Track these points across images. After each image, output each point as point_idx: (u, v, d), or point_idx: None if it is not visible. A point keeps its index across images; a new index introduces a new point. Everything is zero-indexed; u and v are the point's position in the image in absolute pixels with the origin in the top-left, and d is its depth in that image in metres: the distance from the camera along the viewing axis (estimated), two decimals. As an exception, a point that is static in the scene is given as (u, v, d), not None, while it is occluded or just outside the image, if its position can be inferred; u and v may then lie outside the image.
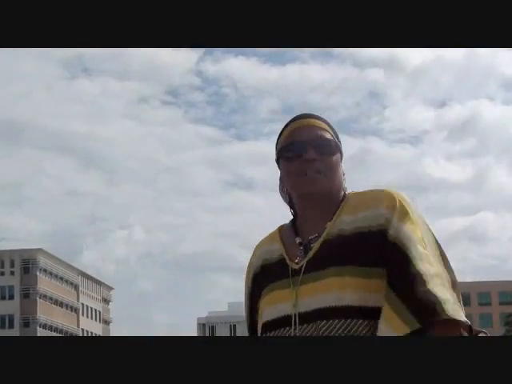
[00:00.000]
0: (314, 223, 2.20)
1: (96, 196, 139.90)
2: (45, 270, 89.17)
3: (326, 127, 2.25)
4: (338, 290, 2.08)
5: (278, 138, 2.28)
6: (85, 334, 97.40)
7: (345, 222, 2.17)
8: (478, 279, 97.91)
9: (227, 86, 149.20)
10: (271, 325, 2.16)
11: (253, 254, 2.34)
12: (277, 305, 2.15)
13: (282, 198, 2.32)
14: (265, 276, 2.24)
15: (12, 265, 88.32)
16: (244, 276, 2.37)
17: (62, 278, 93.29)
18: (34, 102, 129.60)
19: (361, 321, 2.06)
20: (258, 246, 2.34)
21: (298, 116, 2.27)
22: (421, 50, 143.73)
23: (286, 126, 2.27)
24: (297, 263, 2.17)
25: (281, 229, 2.32)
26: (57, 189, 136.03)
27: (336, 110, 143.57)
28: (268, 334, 2.16)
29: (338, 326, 2.06)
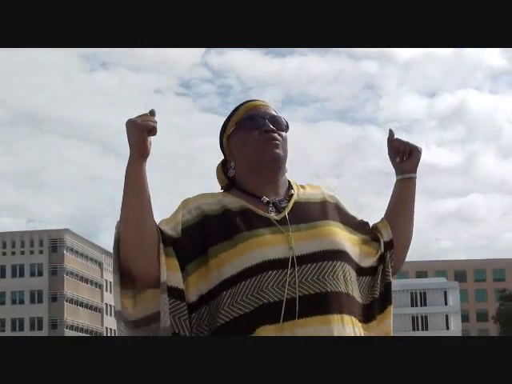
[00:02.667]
0: (272, 188, 2.19)
1: (114, 180, 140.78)
2: (71, 249, 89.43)
3: (275, 110, 2.29)
4: (333, 236, 2.12)
5: (228, 121, 2.28)
6: (108, 309, 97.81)
7: (308, 193, 2.25)
8: (471, 257, 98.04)
9: (231, 78, 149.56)
10: (268, 265, 2.03)
11: (194, 200, 2.20)
12: (270, 247, 2.05)
13: (220, 175, 2.29)
14: (223, 225, 2.10)
15: (41, 244, 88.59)
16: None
17: (86, 256, 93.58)
18: (55, 92, 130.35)
19: (350, 262, 2.13)
20: (200, 197, 2.21)
21: (248, 100, 2.29)
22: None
23: (237, 109, 2.28)
24: (276, 215, 2.13)
25: (223, 192, 2.25)
26: (78, 174, 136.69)
27: (334, 101, 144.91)
28: (265, 274, 2.02)
29: (340, 267, 2.09)
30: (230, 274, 2.05)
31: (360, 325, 2.10)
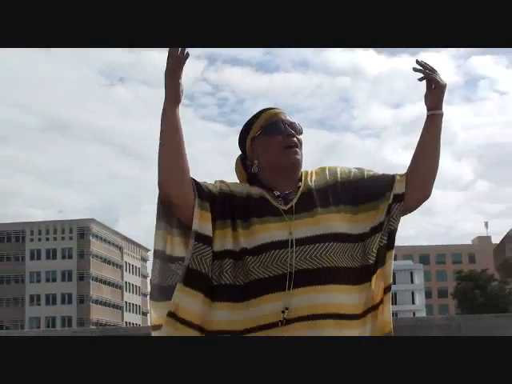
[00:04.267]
0: (286, 184, 2.20)
1: (131, 178, 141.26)
2: (96, 236, 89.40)
3: (291, 118, 2.28)
4: (328, 221, 2.13)
5: (251, 124, 2.27)
6: (128, 286, 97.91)
7: (313, 181, 2.23)
8: (433, 243, 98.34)
9: (227, 91, 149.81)
10: (265, 248, 2.08)
11: (224, 183, 2.24)
12: (273, 231, 2.10)
13: (240, 170, 2.30)
14: (247, 206, 2.16)
15: (70, 232, 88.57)
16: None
17: (109, 242, 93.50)
18: (78, 103, 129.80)
19: (348, 244, 2.11)
20: (230, 184, 2.24)
21: (268, 107, 2.29)
22: (378, 61, 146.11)
23: (259, 115, 2.27)
24: (287, 204, 2.16)
25: (247, 184, 2.25)
26: (100, 172, 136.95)
27: (314, 110, 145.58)
28: (265, 254, 2.08)
29: (331, 247, 2.10)
30: (251, 245, 2.10)
31: (353, 288, 2.10)
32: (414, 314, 77.56)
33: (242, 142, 2.31)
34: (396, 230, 2.18)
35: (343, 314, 2.05)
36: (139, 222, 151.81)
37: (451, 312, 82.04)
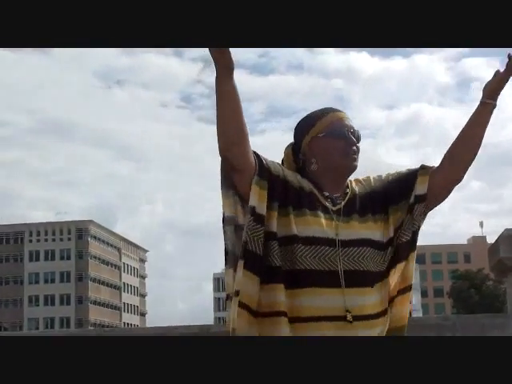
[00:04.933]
0: (336, 187, 2.28)
1: (128, 180, 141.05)
2: (94, 237, 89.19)
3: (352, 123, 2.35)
4: (367, 229, 2.23)
5: (315, 121, 2.31)
6: (126, 287, 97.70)
7: (357, 188, 2.31)
8: (429, 243, 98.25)
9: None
10: (316, 241, 2.17)
11: (281, 166, 2.27)
12: (322, 228, 2.18)
13: (289, 160, 2.34)
14: (299, 196, 2.22)
15: (69, 232, 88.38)
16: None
17: (107, 243, 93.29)
18: (77, 105, 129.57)
19: (381, 251, 2.21)
20: (284, 169, 2.27)
21: (332, 108, 2.35)
22: (371, 62, 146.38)
23: (325, 114, 2.32)
24: (333, 206, 2.24)
25: (297, 174, 2.29)
26: (97, 173, 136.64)
27: (309, 111, 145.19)
28: (319, 248, 2.16)
29: (370, 253, 2.19)
30: (302, 234, 2.16)
31: (376, 289, 2.21)
32: (410, 313, 77.43)
33: (300, 135, 2.34)
34: (418, 229, 2.27)
35: (375, 313, 2.19)
36: (137, 223, 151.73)
37: (447, 311, 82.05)
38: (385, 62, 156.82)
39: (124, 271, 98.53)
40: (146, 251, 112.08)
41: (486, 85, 2.30)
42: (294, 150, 2.36)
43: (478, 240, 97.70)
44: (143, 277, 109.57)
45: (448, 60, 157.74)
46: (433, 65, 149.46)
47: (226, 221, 2.17)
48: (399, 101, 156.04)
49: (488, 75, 2.29)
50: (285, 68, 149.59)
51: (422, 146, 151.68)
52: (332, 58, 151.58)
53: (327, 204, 2.25)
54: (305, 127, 2.33)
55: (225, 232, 2.17)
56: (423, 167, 2.32)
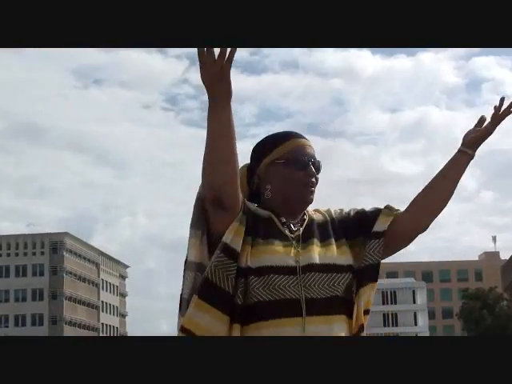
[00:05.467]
0: (293, 215, 2.32)
1: (107, 187, 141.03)
2: (70, 251, 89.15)
3: (314, 151, 2.39)
4: (329, 252, 2.28)
5: (274, 146, 2.34)
6: (104, 307, 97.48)
7: (314, 216, 2.38)
8: (436, 259, 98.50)
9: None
10: (276, 270, 2.20)
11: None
12: (279, 255, 2.23)
13: (243, 183, 2.34)
14: (255, 224, 2.26)
15: (42, 246, 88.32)
16: None
17: (84, 258, 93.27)
18: (51, 107, 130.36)
19: (346, 274, 2.27)
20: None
21: (296, 134, 2.38)
22: (373, 61, 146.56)
23: (286, 139, 2.34)
24: (291, 233, 2.29)
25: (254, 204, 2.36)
26: (74, 181, 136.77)
27: (304, 114, 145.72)
28: (272, 277, 2.19)
29: (334, 278, 2.24)
30: (254, 265, 2.20)
31: (347, 317, 2.27)
32: (416, 336, 77.70)
33: (256, 158, 2.38)
34: (375, 264, 2.32)
35: None
36: (117, 235, 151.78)
37: (457, 334, 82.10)
38: (388, 60, 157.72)
39: (103, 289, 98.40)
40: (126, 267, 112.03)
41: (468, 132, 2.40)
42: (248, 171, 2.39)
43: (491, 256, 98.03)
44: (123, 295, 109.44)
45: (456, 59, 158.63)
46: (440, 64, 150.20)
47: (188, 265, 2.19)
48: (403, 103, 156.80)
49: (500, 75, 2.29)
50: (278, 66, 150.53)
51: (428, 152, 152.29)
52: (330, 55, 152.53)
53: (285, 231, 2.29)
54: (263, 150, 2.35)
55: (184, 278, 2.18)
56: (389, 207, 2.40)
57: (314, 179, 2.33)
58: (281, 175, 2.32)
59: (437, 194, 2.39)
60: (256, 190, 2.36)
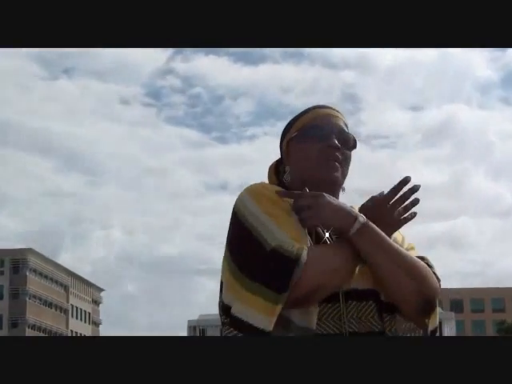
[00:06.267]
0: None
1: (77, 197, 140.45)
2: (34, 271, 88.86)
3: (346, 124, 2.33)
4: (367, 276, 2.19)
5: (294, 121, 2.32)
6: (73, 335, 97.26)
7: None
8: (467, 286, 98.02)
9: (199, 87, 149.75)
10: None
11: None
12: None
13: (271, 175, 2.36)
14: None
15: (1, 264, 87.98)
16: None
17: (51, 279, 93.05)
18: (12, 102, 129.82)
19: (382, 308, 2.20)
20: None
21: (319, 105, 2.33)
22: (391, 50, 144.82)
23: (306, 111, 2.31)
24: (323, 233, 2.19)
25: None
26: (38, 189, 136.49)
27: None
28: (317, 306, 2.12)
29: (374, 309, 2.18)
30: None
31: None
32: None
33: (281, 142, 2.36)
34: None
35: None
36: (89, 253, 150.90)
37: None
38: (409, 49, 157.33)
39: (72, 316, 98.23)
40: (100, 290, 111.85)
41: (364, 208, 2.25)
42: (278, 163, 2.38)
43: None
44: (97, 324, 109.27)
45: (491, 49, 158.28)
46: (471, 55, 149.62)
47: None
48: (427, 100, 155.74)
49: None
50: (280, 55, 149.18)
51: (457, 159, 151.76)
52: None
53: (322, 232, 2.19)
54: (284, 130, 2.35)
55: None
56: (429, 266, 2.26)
57: (338, 153, 2.24)
58: (296, 151, 2.28)
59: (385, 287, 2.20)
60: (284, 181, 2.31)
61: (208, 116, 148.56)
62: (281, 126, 2.42)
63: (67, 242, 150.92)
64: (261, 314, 2.05)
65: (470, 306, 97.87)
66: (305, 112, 2.32)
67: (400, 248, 2.20)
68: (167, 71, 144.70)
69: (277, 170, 2.36)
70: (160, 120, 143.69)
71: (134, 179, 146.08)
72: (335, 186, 2.26)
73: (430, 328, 2.26)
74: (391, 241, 2.18)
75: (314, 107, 2.32)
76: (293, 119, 2.33)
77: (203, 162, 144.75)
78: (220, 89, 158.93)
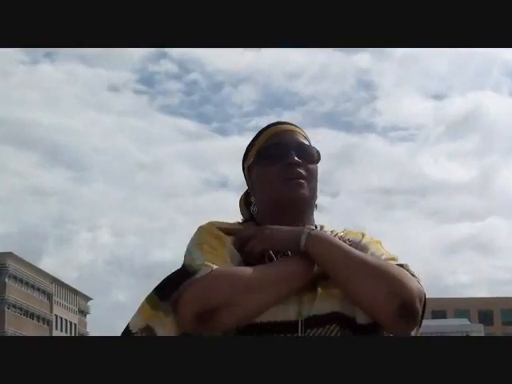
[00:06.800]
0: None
1: (61, 195, 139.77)
2: (15, 277, 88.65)
3: (306, 136, 2.43)
4: (332, 298, 2.23)
5: (251, 145, 2.42)
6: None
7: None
8: (497, 295, 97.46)
9: (196, 72, 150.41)
10: (275, 326, 2.19)
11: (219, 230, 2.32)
12: (279, 307, 2.19)
13: (242, 208, 2.47)
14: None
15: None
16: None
17: (33, 286, 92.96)
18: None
19: (351, 332, 2.22)
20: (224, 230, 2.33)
21: (274, 123, 2.43)
22: None
23: (260, 133, 2.41)
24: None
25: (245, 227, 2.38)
26: (19, 187, 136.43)
27: (320, 101, 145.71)
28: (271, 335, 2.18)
29: (336, 329, 2.20)
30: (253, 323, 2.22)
31: None
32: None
33: (243, 172, 2.47)
34: None
35: None
36: (75, 258, 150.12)
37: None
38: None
39: (56, 328, 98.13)
40: (88, 299, 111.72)
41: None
42: (247, 193, 2.49)
43: None
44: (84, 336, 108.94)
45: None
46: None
47: None
48: (451, 88, 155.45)
49: None
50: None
51: (485, 153, 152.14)
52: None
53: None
54: (244, 156, 2.45)
55: None
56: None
57: (299, 170, 2.32)
58: (257, 178, 2.38)
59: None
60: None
61: (206, 105, 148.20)
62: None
63: (50, 246, 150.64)
64: (137, 315, 2.23)
65: (501, 318, 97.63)
66: (258, 135, 2.41)
67: (358, 251, 2.23)
68: (161, 55, 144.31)
69: (246, 201, 2.46)
70: (153, 109, 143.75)
71: (124, 175, 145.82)
72: (303, 204, 2.33)
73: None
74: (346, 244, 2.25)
75: (268, 126, 2.41)
76: (248, 145, 2.42)
77: (201, 155, 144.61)
78: (219, 75, 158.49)
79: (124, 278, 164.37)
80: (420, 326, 2.28)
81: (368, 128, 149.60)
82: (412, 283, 2.20)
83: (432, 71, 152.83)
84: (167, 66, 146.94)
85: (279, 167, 2.32)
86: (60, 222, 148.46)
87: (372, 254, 2.27)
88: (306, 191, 2.32)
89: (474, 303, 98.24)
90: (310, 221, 2.38)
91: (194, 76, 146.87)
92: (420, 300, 2.21)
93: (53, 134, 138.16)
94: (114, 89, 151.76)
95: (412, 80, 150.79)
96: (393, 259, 2.30)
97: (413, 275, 2.25)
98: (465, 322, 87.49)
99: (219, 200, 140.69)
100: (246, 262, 2.26)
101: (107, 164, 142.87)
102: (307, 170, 2.34)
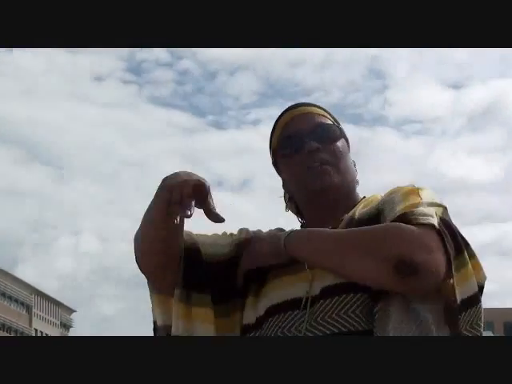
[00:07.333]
0: (326, 220, 2.34)
1: (40, 195, 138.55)
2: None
3: (324, 113, 2.46)
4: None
5: (270, 140, 2.49)
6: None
7: (358, 210, 2.35)
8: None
9: (189, 60, 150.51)
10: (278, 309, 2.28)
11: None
12: (287, 288, 2.28)
13: (288, 208, 2.54)
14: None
15: None
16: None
17: (10, 297, 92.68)
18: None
19: (369, 300, 2.19)
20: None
21: (288, 107, 2.47)
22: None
23: (277, 121, 2.47)
24: None
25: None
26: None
27: (327, 91, 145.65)
28: (270, 323, 2.28)
29: (351, 303, 2.19)
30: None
31: None
32: None
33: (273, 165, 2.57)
34: None
35: None
36: (56, 265, 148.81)
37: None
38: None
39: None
40: (70, 311, 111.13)
41: None
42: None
43: None
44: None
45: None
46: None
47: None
48: (472, 76, 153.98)
49: None
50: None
51: (509, 148, 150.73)
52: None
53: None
54: (269, 149, 2.54)
55: None
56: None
57: (320, 154, 2.36)
58: (284, 175, 2.49)
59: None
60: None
61: (200, 95, 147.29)
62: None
63: (27, 252, 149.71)
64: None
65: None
66: (274, 126, 2.48)
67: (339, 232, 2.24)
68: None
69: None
70: (142, 100, 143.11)
71: (110, 173, 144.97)
72: (333, 191, 2.36)
73: (458, 298, 2.25)
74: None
75: (281, 114, 2.46)
76: (269, 139, 2.50)
77: (194, 151, 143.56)
78: (213, 62, 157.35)
79: (110, 289, 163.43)
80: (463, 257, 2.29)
81: (379, 121, 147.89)
82: (403, 238, 2.14)
83: (450, 57, 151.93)
84: (156, 52, 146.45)
85: (298, 159, 2.38)
86: (38, 225, 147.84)
87: (390, 210, 2.23)
88: (333, 176, 2.36)
89: (498, 314, 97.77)
90: (353, 201, 2.40)
91: (185, 64, 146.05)
92: (421, 247, 2.13)
93: (30, 128, 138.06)
94: (98, 78, 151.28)
95: (427, 67, 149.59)
96: (412, 193, 2.29)
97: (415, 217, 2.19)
98: (488, 334, 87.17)
99: (215, 201, 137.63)
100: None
101: (91, 161, 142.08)
102: (330, 152, 2.38)
